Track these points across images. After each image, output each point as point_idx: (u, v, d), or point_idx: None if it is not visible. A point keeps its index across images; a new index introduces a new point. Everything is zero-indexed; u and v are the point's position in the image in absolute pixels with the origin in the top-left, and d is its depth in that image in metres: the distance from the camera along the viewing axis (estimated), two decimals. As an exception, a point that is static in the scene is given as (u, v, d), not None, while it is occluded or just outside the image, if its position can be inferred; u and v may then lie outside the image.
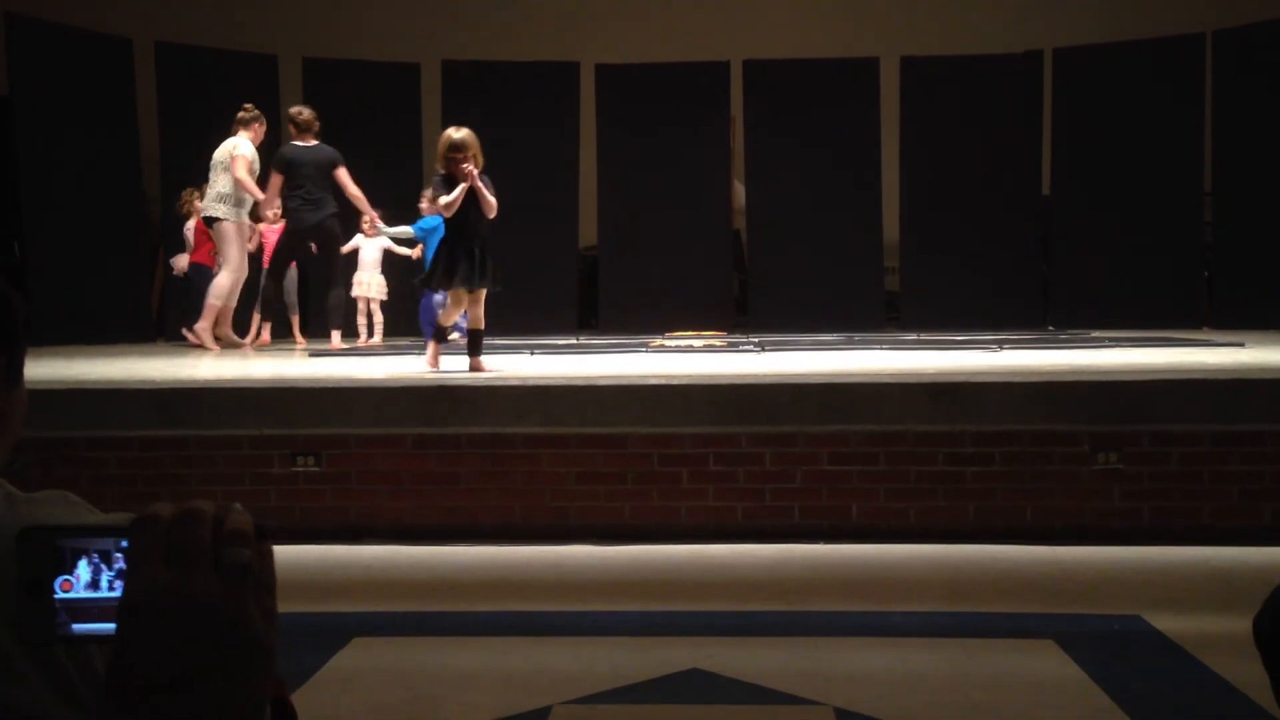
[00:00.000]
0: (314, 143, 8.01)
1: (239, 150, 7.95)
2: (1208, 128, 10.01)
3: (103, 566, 0.77)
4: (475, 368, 5.77)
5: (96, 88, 9.59)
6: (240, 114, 8.18)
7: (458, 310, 5.95)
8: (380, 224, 8.38)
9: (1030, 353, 7.17)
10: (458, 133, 5.69)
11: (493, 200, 5.66)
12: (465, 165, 5.57)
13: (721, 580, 4.49)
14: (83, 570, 0.76)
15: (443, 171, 5.70)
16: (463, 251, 5.67)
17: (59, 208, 9.12)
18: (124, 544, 0.76)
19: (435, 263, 5.89)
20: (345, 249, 8.79)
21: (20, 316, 1.19)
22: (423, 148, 10.69)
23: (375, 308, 8.82)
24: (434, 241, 8.11)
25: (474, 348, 5.85)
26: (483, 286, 5.77)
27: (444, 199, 5.65)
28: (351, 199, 8.08)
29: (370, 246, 8.77)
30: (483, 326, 5.91)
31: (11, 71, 9.07)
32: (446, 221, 5.78)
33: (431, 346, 6.11)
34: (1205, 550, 4.70)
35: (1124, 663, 3.41)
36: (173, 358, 7.47)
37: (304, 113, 8.09)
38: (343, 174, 7.98)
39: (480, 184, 5.61)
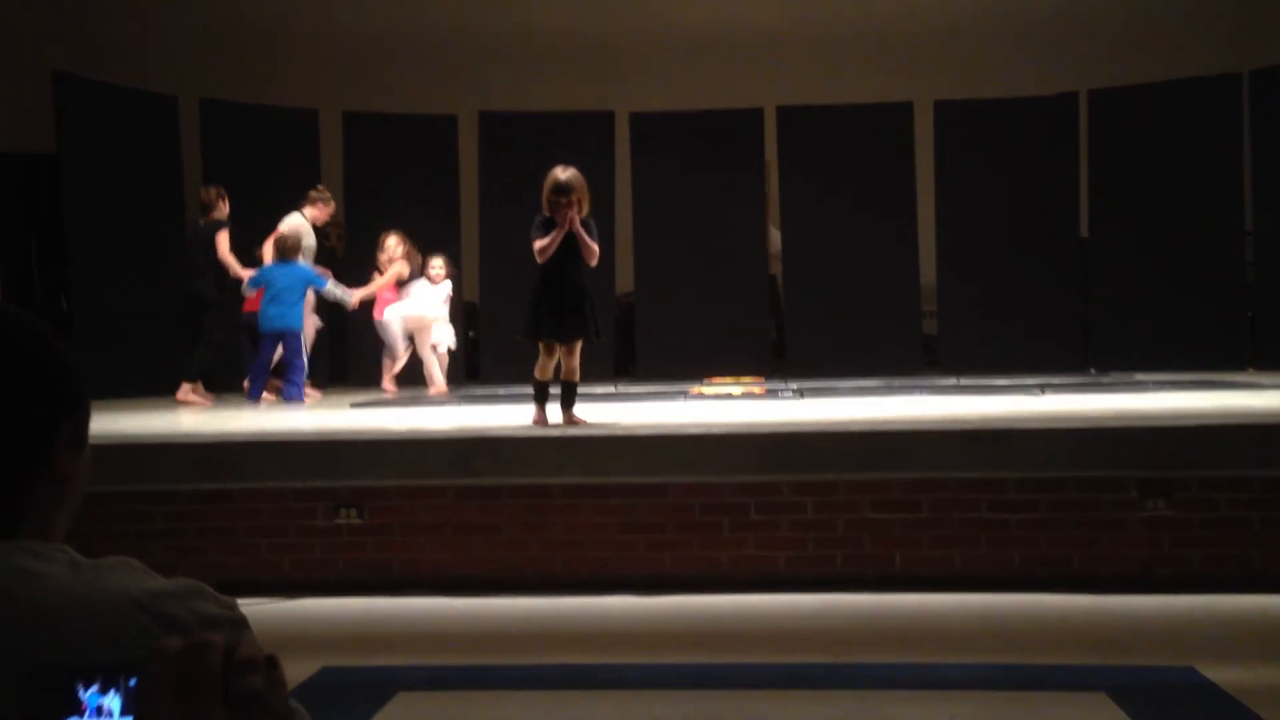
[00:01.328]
0: (212, 218, 8.50)
1: (284, 222, 8.58)
2: (1247, 167, 9.94)
3: (111, 702, 0.76)
4: (569, 420, 5.54)
5: (142, 144, 9.77)
6: (311, 192, 8.86)
7: (550, 361, 5.52)
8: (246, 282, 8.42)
9: (1073, 397, 7.10)
10: (564, 173, 5.37)
11: (595, 247, 5.41)
12: (569, 210, 5.31)
13: (764, 631, 4.45)
14: (90, 701, 0.75)
15: (546, 214, 5.40)
16: (550, 301, 5.39)
17: (106, 263, 9.27)
18: (132, 682, 0.75)
19: (527, 311, 5.53)
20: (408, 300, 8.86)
21: (84, 382, 1.21)
22: (460, 197, 10.81)
23: (442, 355, 8.88)
24: (284, 294, 8.18)
25: (567, 400, 5.56)
26: (574, 339, 5.47)
27: (539, 243, 5.38)
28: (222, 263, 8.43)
29: (434, 298, 8.82)
30: (577, 379, 5.57)
31: (60, 129, 9.26)
32: (540, 268, 5.44)
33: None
34: (1259, 598, 4.62)
35: (1178, 716, 3.35)
36: (217, 411, 7.55)
37: (201, 193, 8.73)
38: (218, 240, 8.40)
39: (581, 230, 5.37)
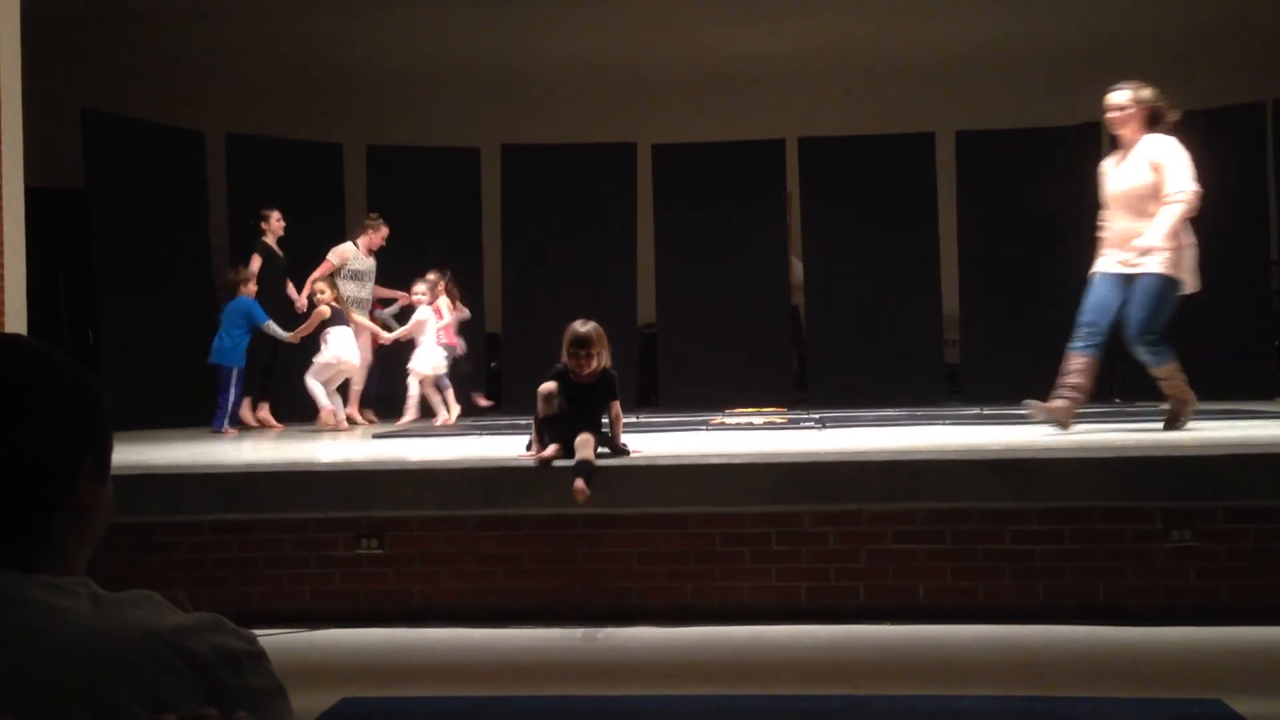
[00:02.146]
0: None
1: (334, 251, 9.01)
2: (1272, 195, 9.89)
3: None
4: (580, 487, 4.99)
5: (169, 179, 9.90)
6: (365, 220, 9.33)
7: (539, 446, 5.23)
8: None
9: (1098, 426, 7.05)
10: (583, 327, 5.30)
11: (618, 409, 5.34)
12: (587, 364, 5.21)
13: (785, 662, 4.42)
14: None
15: (562, 364, 5.30)
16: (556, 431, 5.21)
17: (132, 296, 9.37)
18: None
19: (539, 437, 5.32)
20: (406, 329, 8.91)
21: (108, 411, 1.22)
22: (482, 229, 10.88)
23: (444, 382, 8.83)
24: (225, 328, 8.37)
25: (584, 474, 5.01)
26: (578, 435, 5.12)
27: (541, 408, 5.21)
28: None
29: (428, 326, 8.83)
30: (592, 458, 5.09)
31: (87, 165, 9.38)
32: (550, 418, 5.25)
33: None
34: (1287, 630, 4.55)
35: (1206, 749, 3.30)
36: (240, 442, 7.59)
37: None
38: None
39: (618, 416, 5.36)
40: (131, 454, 6.10)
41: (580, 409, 5.28)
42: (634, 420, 8.64)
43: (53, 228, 10.10)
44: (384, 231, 9.23)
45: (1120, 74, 11.56)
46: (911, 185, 10.45)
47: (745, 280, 10.51)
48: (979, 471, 4.98)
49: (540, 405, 5.26)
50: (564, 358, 5.32)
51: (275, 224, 9.09)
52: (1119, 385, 10.23)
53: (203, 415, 8.74)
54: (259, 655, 1.16)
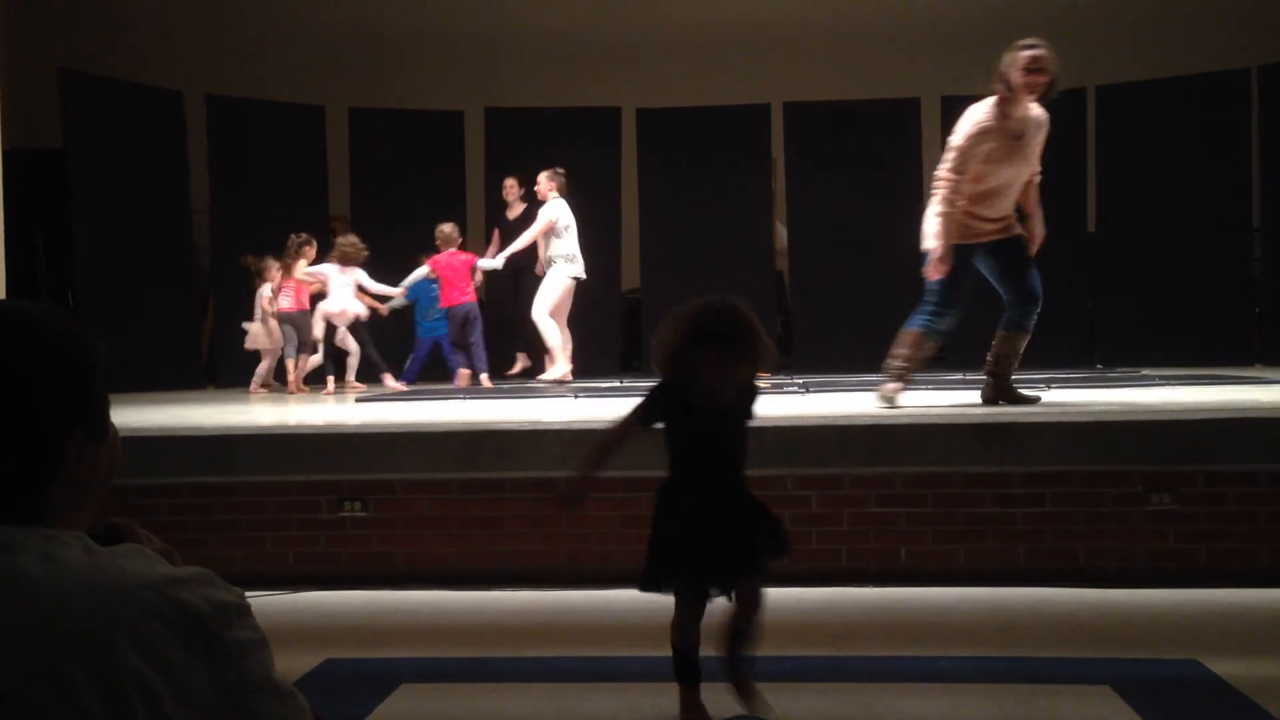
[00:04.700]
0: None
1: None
2: (1255, 162, 9.91)
3: None
4: (751, 698, 3.32)
5: (148, 140, 9.79)
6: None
7: (693, 613, 3.29)
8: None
9: (1079, 391, 7.09)
10: (730, 308, 3.22)
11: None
12: (732, 372, 3.10)
13: (768, 624, 4.43)
14: None
15: (670, 375, 3.33)
16: (693, 528, 3.18)
17: (112, 258, 9.29)
18: None
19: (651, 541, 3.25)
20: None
21: (101, 374, 1.21)
22: (466, 192, 10.81)
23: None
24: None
25: (748, 664, 3.38)
26: (751, 576, 3.24)
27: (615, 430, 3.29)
28: None
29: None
30: (758, 624, 3.35)
31: (65, 125, 9.27)
32: (670, 475, 3.32)
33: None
34: (1264, 593, 4.60)
35: (1182, 709, 3.34)
36: (222, 405, 7.56)
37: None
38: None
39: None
40: (114, 416, 6.05)
41: (720, 452, 3.23)
42: (617, 385, 8.64)
43: (31, 189, 10.00)
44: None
45: (1108, 41, 11.57)
46: (897, 151, 10.42)
47: (729, 246, 10.49)
48: (961, 436, 5.00)
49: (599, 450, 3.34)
50: (671, 363, 3.25)
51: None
52: (1100, 351, 10.28)
53: (186, 378, 8.71)
54: (246, 609, 1.18)
